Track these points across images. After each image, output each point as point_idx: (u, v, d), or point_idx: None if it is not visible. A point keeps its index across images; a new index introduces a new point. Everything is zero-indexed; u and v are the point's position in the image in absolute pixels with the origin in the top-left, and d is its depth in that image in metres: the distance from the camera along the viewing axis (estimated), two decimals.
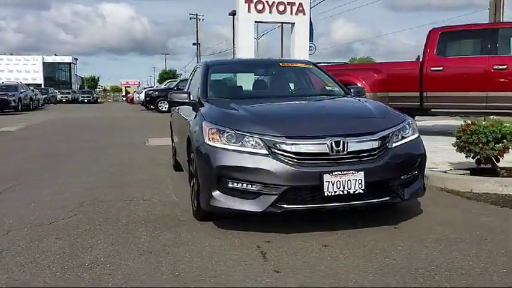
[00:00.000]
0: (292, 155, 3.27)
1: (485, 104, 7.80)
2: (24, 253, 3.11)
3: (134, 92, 42.69)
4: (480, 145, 4.65)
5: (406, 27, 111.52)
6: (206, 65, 5.00)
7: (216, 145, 3.44)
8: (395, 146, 3.49)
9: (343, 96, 4.68)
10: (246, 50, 21.66)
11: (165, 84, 28.92)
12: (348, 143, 3.31)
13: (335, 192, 3.22)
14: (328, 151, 3.28)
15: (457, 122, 8.91)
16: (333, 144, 3.28)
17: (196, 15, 52.24)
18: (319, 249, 3.08)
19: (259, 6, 22.47)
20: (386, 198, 3.43)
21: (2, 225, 3.76)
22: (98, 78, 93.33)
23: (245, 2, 22.19)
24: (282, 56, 22.16)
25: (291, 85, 5.21)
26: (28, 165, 7.15)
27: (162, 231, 3.56)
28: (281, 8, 22.58)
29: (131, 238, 3.41)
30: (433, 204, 4.19)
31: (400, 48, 78.13)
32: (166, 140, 10.06)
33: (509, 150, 4.76)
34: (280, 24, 23.26)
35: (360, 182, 3.26)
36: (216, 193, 3.40)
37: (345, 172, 3.24)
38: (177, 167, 6.13)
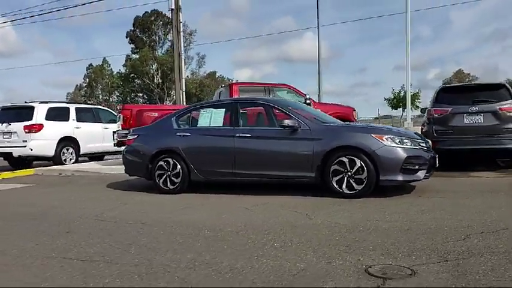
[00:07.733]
0: (424, 148, 5.83)
1: None
2: None
3: None
4: None
5: None
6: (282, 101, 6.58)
7: (395, 145, 5.40)
8: None
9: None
10: None
11: None
12: None
13: (436, 165, 6.07)
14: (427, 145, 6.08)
15: None
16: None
17: None
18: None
19: None
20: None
21: None
22: None
23: None
24: None
25: None
26: None
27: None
28: None
29: None
30: None
31: None
32: None
33: None
34: None
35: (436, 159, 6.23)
36: (399, 173, 5.37)
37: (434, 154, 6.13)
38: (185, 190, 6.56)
